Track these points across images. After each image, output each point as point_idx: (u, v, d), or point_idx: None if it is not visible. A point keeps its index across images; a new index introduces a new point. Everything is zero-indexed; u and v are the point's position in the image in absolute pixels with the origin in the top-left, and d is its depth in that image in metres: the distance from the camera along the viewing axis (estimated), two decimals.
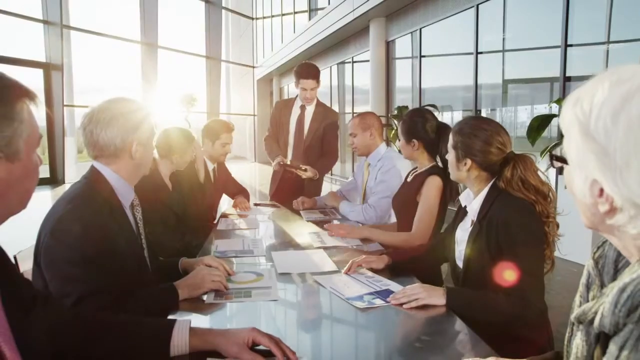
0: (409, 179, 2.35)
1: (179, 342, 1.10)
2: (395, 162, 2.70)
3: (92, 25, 11.30)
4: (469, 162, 1.57)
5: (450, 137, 1.65)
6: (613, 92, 0.64)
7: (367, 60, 9.67)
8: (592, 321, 0.75)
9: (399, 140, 2.36)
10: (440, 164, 2.24)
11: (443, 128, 2.20)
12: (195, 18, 14.30)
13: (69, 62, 11.00)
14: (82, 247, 1.27)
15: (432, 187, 2.14)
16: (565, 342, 0.88)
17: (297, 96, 3.59)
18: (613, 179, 0.63)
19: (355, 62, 11.11)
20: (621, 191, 0.63)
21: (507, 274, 1.40)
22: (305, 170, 3.30)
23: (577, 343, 0.83)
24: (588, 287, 0.83)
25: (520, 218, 1.44)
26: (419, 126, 2.22)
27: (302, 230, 2.55)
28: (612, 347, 0.71)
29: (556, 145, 4.19)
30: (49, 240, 1.28)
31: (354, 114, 7.42)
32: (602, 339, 0.76)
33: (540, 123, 4.18)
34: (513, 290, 1.38)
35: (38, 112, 0.83)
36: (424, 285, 1.48)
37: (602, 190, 0.67)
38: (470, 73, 6.79)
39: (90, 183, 1.44)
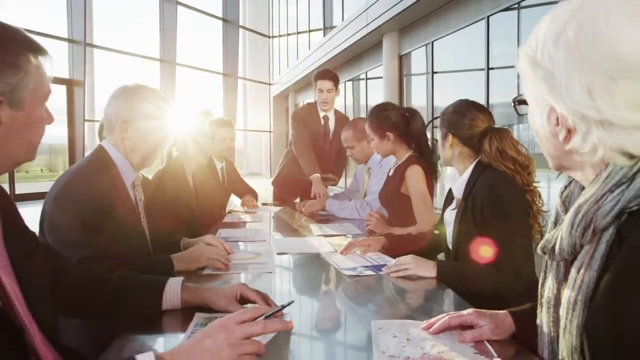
0: (390, 173, 2.37)
1: (171, 296, 1.15)
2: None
3: (114, 44, 11.68)
4: (450, 137, 1.62)
5: (439, 122, 1.71)
6: (552, 23, 0.71)
7: (381, 77, 9.76)
8: (554, 249, 0.78)
9: (372, 141, 2.35)
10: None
11: (412, 112, 2.27)
12: (213, 36, 14.68)
13: (91, 79, 11.36)
14: (81, 213, 1.32)
15: (415, 176, 2.17)
16: (539, 288, 0.90)
17: (317, 103, 3.55)
18: (561, 97, 0.68)
19: (369, 78, 11.21)
20: (569, 107, 0.68)
21: (494, 247, 1.42)
22: (333, 179, 3.34)
23: (549, 284, 0.85)
24: (556, 224, 0.86)
25: (502, 190, 1.46)
26: (390, 118, 2.27)
27: (305, 223, 2.61)
28: (573, 272, 0.74)
29: None
30: (52, 206, 1.35)
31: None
32: (567, 273, 0.79)
33: None
34: (501, 262, 1.40)
35: (52, 68, 0.88)
36: (415, 257, 1.51)
37: (557, 120, 0.71)
38: (482, 88, 6.80)
39: (95, 158, 1.52)
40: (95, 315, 1.14)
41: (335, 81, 3.49)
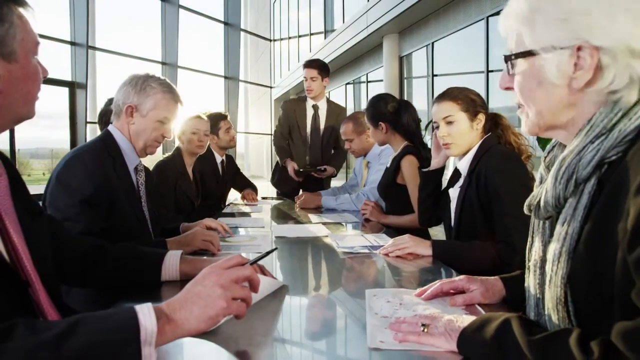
0: (388, 165, 2.40)
1: (170, 267, 1.17)
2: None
3: (116, 46, 11.76)
4: (482, 115, 1.63)
5: (445, 107, 1.65)
6: None
7: (381, 80, 9.79)
8: (539, 205, 0.80)
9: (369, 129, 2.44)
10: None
11: (404, 104, 2.31)
12: (214, 39, 14.77)
13: (93, 81, 11.41)
14: (81, 190, 1.36)
15: (411, 166, 2.19)
16: (527, 252, 0.92)
17: (306, 95, 3.60)
18: (603, 31, 0.67)
19: (370, 81, 11.25)
20: (609, 38, 0.66)
21: (495, 221, 1.44)
22: (325, 170, 3.37)
23: (535, 247, 0.87)
24: None
25: (506, 165, 1.49)
26: (382, 108, 2.30)
27: (304, 212, 2.63)
28: (558, 227, 0.76)
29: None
30: (54, 182, 1.39)
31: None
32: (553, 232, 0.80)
33: None
34: (500, 236, 1.41)
35: (34, 18, 0.88)
36: (412, 236, 1.53)
37: (579, 59, 0.69)
38: (482, 91, 6.82)
39: (100, 140, 1.56)
40: (94, 284, 1.16)
41: (321, 70, 3.47)
